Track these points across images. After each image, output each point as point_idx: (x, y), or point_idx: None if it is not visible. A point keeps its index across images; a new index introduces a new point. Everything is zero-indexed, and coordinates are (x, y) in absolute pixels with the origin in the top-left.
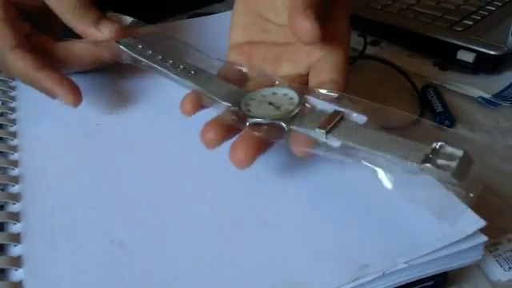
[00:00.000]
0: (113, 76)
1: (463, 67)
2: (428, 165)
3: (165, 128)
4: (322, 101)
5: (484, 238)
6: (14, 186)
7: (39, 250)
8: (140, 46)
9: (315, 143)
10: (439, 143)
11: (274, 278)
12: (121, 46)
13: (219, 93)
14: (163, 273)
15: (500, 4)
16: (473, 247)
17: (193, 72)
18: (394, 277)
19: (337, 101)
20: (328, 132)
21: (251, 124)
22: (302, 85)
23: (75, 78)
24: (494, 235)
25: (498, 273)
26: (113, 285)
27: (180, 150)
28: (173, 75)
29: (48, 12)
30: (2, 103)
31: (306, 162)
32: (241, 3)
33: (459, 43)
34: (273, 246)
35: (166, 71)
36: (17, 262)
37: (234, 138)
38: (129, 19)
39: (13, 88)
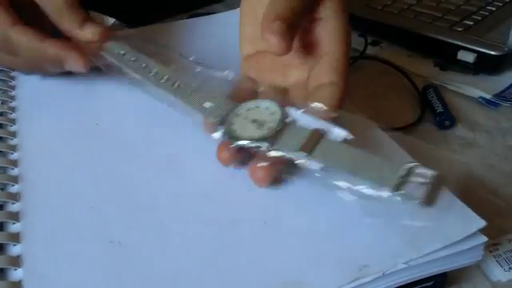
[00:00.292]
0: (113, 76)
1: (464, 67)
2: (400, 192)
3: (165, 128)
4: (303, 114)
5: (484, 239)
6: (13, 185)
7: (39, 250)
8: (122, 52)
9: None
10: (411, 164)
11: (274, 278)
12: (103, 53)
13: (204, 107)
14: (163, 273)
15: (500, 4)
16: (473, 247)
17: (177, 85)
18: (394, 277)
19: (319, 114)
20: (309, 154)
21: (236, 146)
22: None
23: (75, 78)
24: (494, 235)
25: (498, 273)
26: (112, 285)
27: (180, 150)
28: (155, 87)
29: (37, 9)
30: (2, 102)
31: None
32: (247, 15)
33: (460, 43)
34: (272, 246)
35: (148, 82)
36: (16, 261)
37: None
38: (111, 20)
39: (12, 87)
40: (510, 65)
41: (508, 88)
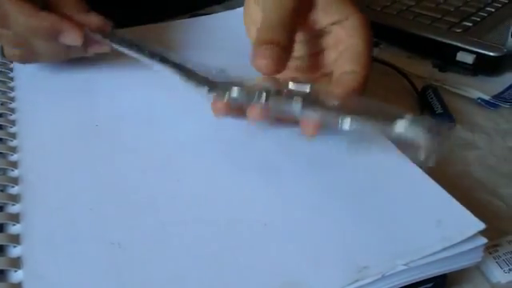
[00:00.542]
0: (113, 76)
1: (463, 69)
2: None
3: (165, 129)
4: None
5: (484, 240)
6: (13, 187)
7: (39, 252)
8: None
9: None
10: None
11: (274, 279)
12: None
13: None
14: (163, 275)
15: (499, 5)
16: (472, 249)
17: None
18: (394, 279)
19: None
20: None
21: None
22: None
23: (75, 79)
24: (494, 237)
25: (498, 274)
26: (112, 286)
27: (180, 151)
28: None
29: None
30: (2, 104)
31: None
32: (253, 23)
33: (459, 45)
34: (272, 248)
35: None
36: (16, 263)
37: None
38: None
39: (12, 89)
40: (509, 66)
41: (507, 89)
